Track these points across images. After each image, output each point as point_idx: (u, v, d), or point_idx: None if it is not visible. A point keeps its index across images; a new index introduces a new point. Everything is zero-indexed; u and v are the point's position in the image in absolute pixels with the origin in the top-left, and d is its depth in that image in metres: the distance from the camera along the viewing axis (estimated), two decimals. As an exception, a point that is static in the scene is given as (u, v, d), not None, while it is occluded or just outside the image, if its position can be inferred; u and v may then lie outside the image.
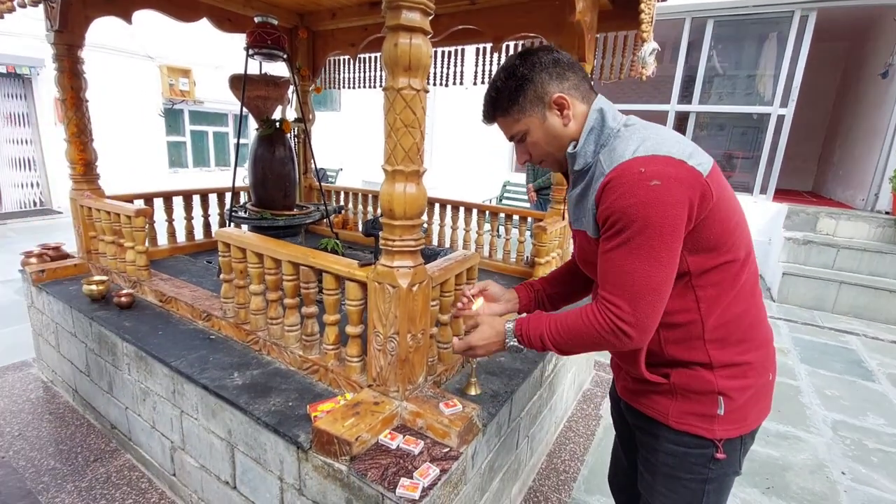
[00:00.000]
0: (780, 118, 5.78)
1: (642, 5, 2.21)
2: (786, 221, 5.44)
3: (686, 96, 6.46)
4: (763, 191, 6.07)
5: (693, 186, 0.87)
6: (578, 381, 2.82)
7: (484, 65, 3.22)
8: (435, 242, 3.69)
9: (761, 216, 5.94)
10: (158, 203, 3.18)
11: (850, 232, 5.17)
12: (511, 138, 1.10)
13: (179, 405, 1.86)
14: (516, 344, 1.09)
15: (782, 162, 5.89)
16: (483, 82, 3.27)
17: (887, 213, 5.24)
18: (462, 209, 3.50)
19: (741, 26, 6.12)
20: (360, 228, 3.94)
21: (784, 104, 5.74)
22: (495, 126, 1.12)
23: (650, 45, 2.36)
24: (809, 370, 3.41)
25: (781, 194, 6.46)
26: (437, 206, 3.62)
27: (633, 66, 2.57)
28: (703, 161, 0.91)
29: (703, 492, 1.06)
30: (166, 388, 1.90)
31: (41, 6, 2.39)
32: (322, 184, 3.89)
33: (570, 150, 1.02)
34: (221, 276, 2.03)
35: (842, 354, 3.72)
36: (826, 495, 2.17)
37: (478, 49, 3.24)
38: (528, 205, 5.78)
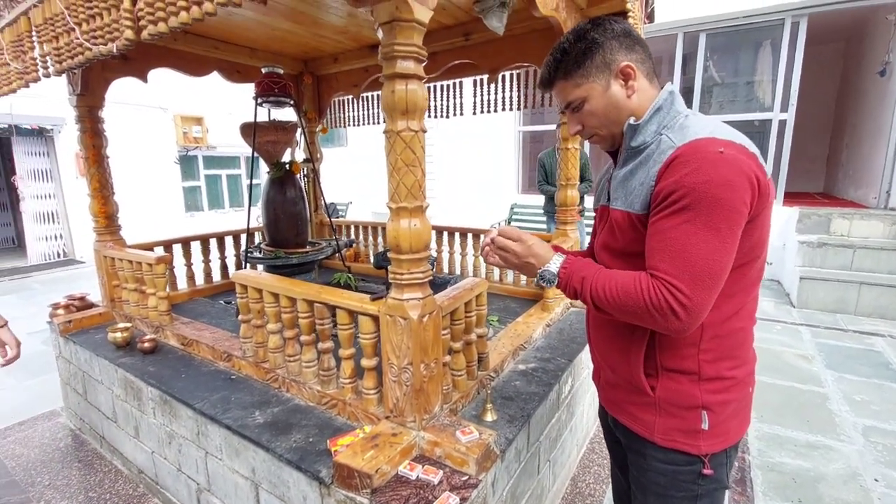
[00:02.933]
0: (782, 123, 5.81)
1: (629, 30, 2.30)
2: (798, 225, 5.38)
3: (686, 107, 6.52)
4: (773, 195, 6.03)
5: (757, 183, 0.87)
6: (598, 400, 2.80)
7: (482, 95, 3.33)
8: (445, 270, 3.74)
9: (773, 221, 5.82)
10: (177, 248, 3.30)
11: (865, 231, 5.09)
12: (567, 106, 1.05)
13: (204, 446, 1.90)
14: (552, 272, 1.02)
15: (789, 165, 5.89)
16: (482, 112, 3.38)
17: (902, 209, 5.17)
18: (470, 235, 3.56)
19: (734, 36, 6.22)
20: (371, 261, 4.02)
21: (784, 109, 5.77)
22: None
23: (640, 67, 2.43)
24: (836, 376, 3.33)
25: (792, 197, 6.42)
26: (445, 234, 3.69)
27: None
28: (764, 164, 0.92)
29: None
30: (191, 429, 1.94)
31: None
32: (332, 219, 4.00)
33: (631, 121, 0.99)
34: (240, 316, 2.10)
35: (868, 357, 3.62)
36: (862, 506, 2.11)
37: (475, 81, 3.35)
38: (539, 226, 5.83)
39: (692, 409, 1.00)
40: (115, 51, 1.79)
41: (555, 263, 1.02)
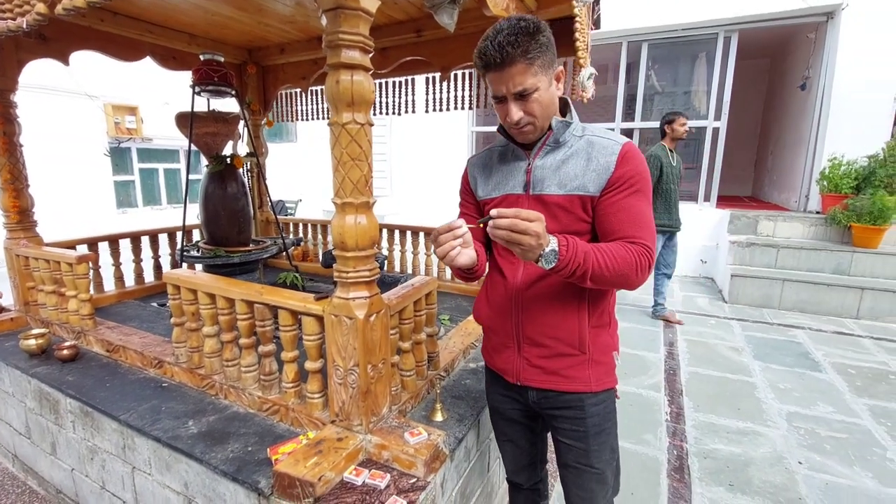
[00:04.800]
0: (716, 130, 6.19)
1: (576, 34, 2.35)
2: (729, 226, 5.76)
3: (629, 114, 6.83)
4: (707, 198, 6.43)
5: None
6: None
7: (435, 93, 3.30)
8: (397, 269, 3.68)
9: (707, 222, 6.27)
10: (104, 247, 3.05)
11: (787, 232, 5.53)
12: (520, 92, 1.06)
13: (131, 461, 1.75)
14: (555, 249, 0.97)
15: (722, 170, 6.28)
16: (435, 110, 3.36)
17: (818, 212, 5.65)
18: (422, 234, 3.52)
19: (673, 48, 6.57)
20: (320, 260, 3.89)
21: (718, 117, 6.15)
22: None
23: (587, 71, 2.50)
24: (763, 366, 3.58)
25: (724, 200, 6.86)
26: (396, 232, 3.64)
27: (573, 90, 2.70)
28: None
29: (615, 430, 1.31)
30: (115, 443, 1.79)
31: (-32, 51, 2.30)
32: (280, 216, 3.84)
33: (559, 118, 1.15)
34: (172, 319, 1.95)
35: (791, 348, 3.92)
36: (786, 486, 2.26)
37: (427, 78, 3.32)
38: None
39: (609, 353, 1.24)
40: (25, 27, 1.61)
41: (553, 241, 0.98)
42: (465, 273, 1.24)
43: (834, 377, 3.39)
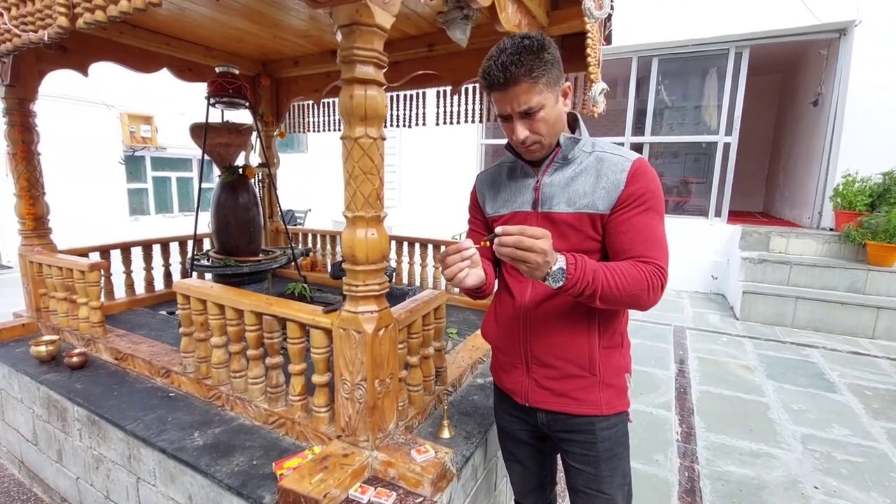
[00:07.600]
0: (727, 146, 6.16)
1: (588, 50, 2.35)
2: (741, 242, 5.70)
3: (639, 128, 6.82)
4: (717, 213, 6.38)
5: None
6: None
7: (445, 107, 3.32)
8: (405, 281, 3.68)
9: (718, 238, 6.21)
10: (115, 254, 3.08)
11: (800, 249, 5.46)
12: (525, 111, 1.05)
13: (136, 471, 1.74)
14: (563, 268, 0.95)
15: (733, 185, 6.24)
16: (445, 123, 3.38)
17: (831, 229, 5.57)
18: (430, 246, 3.52)
19: (684, 63, 6.58)
20: (329, 271, 3.90)
21: (728, 132, 6.13)
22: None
23: (599, 86, 2.50)
24: (776, 386, 3.50)
25: (735, 216, 6.80)
26: (405, 244, 3.64)
27: (584, 105, 2.71)
28: None
29: (628, 454, 1.27)
30: (121, 453, 1.78)
31: (-9, 62, 2.35)
32: (289, 226, 3.86)
33: (568, 135, 1.14)
34: (181, 329, 1.95)
35: (804, 368, 3.84)
36: (802, 513, 2.20)
37: (438, 92, 3.34)
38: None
39: (621, 375, 1.21)
40: (46, 39, 1.65)
41: (561, 259, 0.96)
42: (474, 292, 1.22)
43: (850, 399, 3.31)
